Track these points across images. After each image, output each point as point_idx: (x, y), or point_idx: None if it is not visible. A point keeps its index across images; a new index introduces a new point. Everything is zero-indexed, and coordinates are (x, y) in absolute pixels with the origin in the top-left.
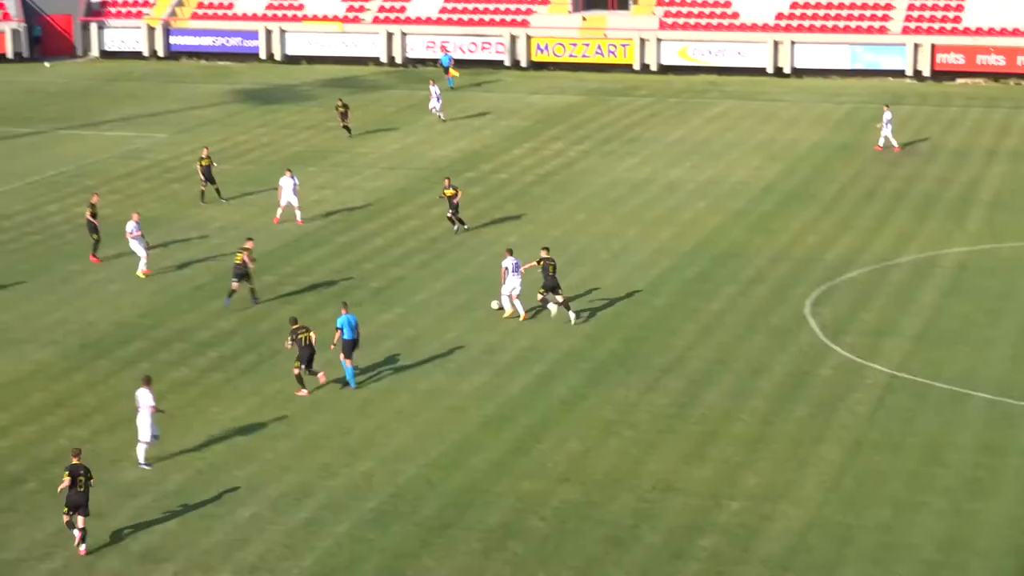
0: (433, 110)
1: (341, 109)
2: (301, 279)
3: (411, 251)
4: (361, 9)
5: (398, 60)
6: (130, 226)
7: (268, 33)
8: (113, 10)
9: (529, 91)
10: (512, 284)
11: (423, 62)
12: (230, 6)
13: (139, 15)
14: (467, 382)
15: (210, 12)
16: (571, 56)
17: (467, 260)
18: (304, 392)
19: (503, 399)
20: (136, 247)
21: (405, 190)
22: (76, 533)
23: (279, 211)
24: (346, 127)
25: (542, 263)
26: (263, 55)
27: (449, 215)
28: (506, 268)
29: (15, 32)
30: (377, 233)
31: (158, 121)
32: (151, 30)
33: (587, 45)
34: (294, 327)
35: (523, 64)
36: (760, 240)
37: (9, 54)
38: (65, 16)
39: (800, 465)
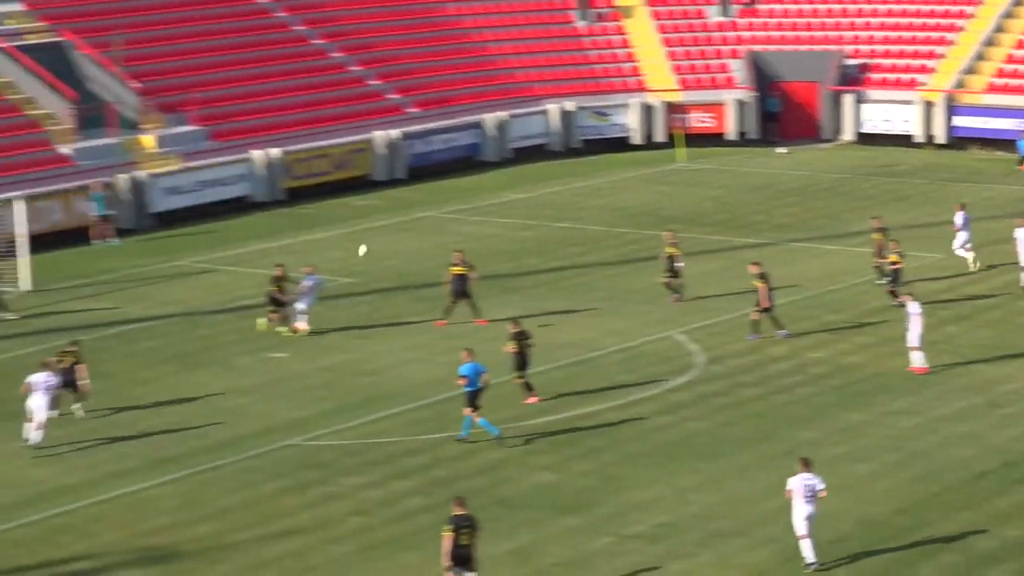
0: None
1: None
2: None
3: None
4: None
5: None
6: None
7: None
8: (876, 77)
9: None
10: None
11: None
12: None
13: (911, 84)
14: None
15: (1012, 83)
16: None
17: None
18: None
19: None
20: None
21: None
22: None
23: None
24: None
25: None
26: None
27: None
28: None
29: (741, 105)
30: None
31: (936, 234)
32: (928, 106)
33: None
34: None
35: None
36: None
37: (731, 134)
38: (809, 85)
39: None
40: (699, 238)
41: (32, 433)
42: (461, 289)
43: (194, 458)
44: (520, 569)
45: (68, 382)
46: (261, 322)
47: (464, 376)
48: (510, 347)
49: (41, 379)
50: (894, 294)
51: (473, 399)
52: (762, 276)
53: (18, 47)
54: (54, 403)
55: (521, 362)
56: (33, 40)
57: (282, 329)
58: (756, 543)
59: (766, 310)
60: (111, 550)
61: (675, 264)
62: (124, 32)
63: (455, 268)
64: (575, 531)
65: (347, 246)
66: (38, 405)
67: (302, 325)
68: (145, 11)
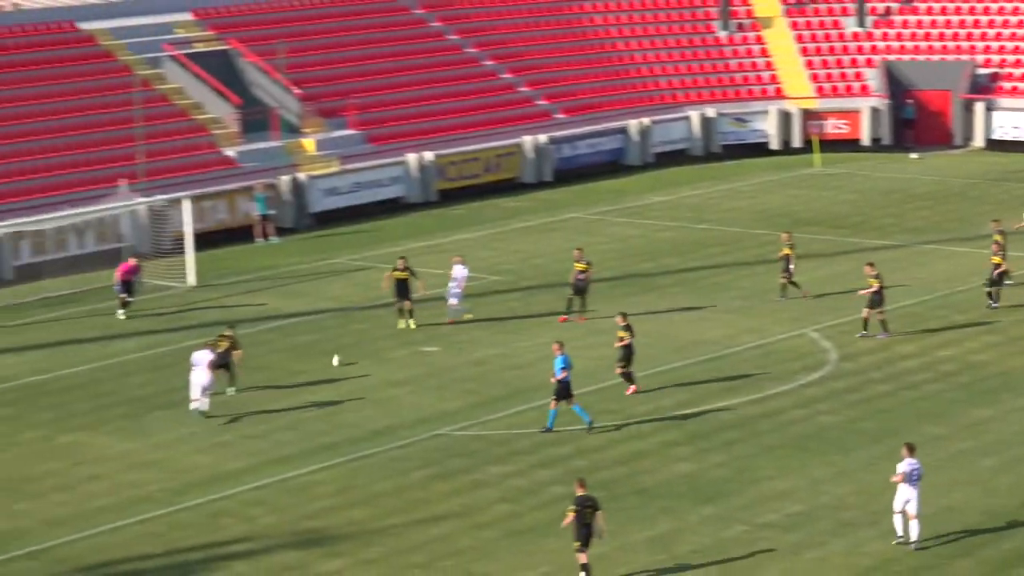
0: None
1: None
2: None
3: None
4: None
5: None
6: None
7: None
8: (1007, 86)
9: None
10: None
11: None
12: None
13: None
14: None
15: None
16: None
17: None
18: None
19: None
20: None
21: None
22: None
23: None
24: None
25: None
26: None
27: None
28: None
29: (875, 112)
30: None
31: None
32: None
33: None
34: None
35: None
36: None
37: (865, 140)
38: (942, 93)
39: None
40: (833, 240)
41: (193, 403)
42: (579, 284)
43: (349, 446)
44: (658, 556)
45: (223, 364)
46: (402, 323)
47: (565, 368)
48: (624, 338)
49: (202, 356)
50: (990, 295)
51: (566, 390)
52: (877, 276)
53: (187, 55)
54: (212, 378)
55: (627, 354)
56: (201, 48)
57: (410, 323)
58: (885, 532)
59: (876, 306)
60: (270, 532)
61: (788, 264)
62: (288, 41)
63: (577, 264)
64: (711, 520)
65: (496, 246)
66: (197, 379)
67: (462, 314)
68: (308, 21)
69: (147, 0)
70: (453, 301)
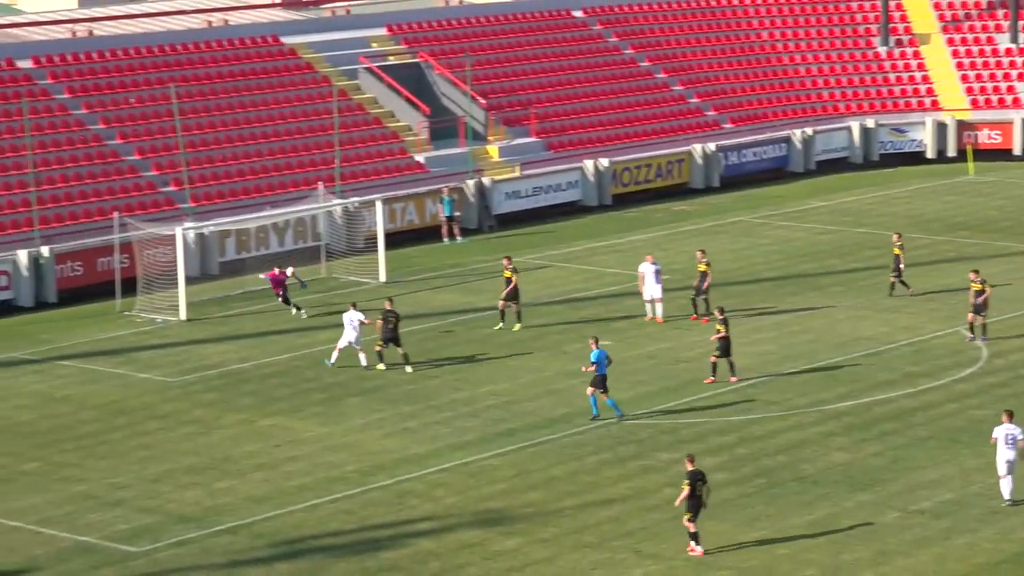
0: None
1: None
2: None
3: None
4: None
5: None
6: None
7: None
8: None
9: None
10: None
11: None
12: None
13: None
14: None
15: None
16: None
17: None
18: None
19: None
20: None
21: None
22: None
23: None
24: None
25: None
26: None
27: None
28: None
29: None
30: None
31: None
32: None
33: None
34: None
35: None
36: None
37: (1016, 149)
38: None
39: None
40: (984, 243)
41: (359, 357)
42: (700, 285)
43: (526, 433)
44: (817, 539)
45: (391, 339)
46: (498, 325)
47: (594, 363)
48: (720, 331)
49: (352, 316)
50: None
51: (602, 382)
52: (983, 282)
53: (381, 67)
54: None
55: (723, 346)
56: (394, 61)
57: (515, 326)
58: None
59: (980, 311)
60: (452, 512)
61: (899, 264)
62: (474, 55)
63: (700, 266)
64: (866, 505)
65: (667, 246)
66: (347, 335)
67: (659, 311)
68: (493, 36)
69: (345, 17)
70: (657, 293)
